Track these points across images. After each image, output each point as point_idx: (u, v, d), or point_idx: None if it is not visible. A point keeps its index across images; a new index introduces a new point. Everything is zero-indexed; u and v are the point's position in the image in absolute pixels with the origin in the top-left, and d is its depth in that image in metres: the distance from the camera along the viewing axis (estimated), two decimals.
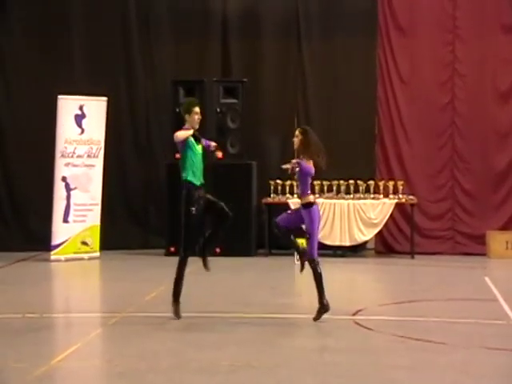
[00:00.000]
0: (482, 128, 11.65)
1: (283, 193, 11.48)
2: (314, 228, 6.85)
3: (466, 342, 6.26)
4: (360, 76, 11.84)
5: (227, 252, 10.84)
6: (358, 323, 6.87)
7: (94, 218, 11.03)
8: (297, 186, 7.08)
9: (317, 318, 6.83)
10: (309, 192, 6.98)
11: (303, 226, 6.97)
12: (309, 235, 6.87)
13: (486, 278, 9.36)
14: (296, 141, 7.07)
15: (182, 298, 7.18)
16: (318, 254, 6.89)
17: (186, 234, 6.98)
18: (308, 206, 6.87)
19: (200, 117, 7.06)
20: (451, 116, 11.77)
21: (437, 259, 11.22)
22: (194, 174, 7.01)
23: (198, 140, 7.04)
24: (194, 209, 6.93)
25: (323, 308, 6.83)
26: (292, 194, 11.42)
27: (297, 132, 7.13)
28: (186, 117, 7.04)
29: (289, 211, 7.20)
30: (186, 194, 7.01)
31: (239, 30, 12.09)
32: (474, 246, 11.60)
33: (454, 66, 11.72)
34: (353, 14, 11.82)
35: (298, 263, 10.45)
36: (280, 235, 6.95)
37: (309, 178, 7.01)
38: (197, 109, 7.02)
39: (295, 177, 7.14)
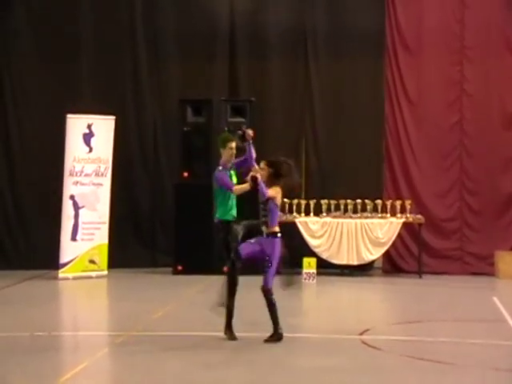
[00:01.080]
0: (490, 148, 11.65)
1: (290, 212, 11.49)
2: (275, 258, 6.81)
3: (474, 363, 6.22)
4: (368, 96, 11.90)
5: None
6: (365, 343, 6.84)
7: (102, 236, 11.05)
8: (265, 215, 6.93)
9: (268, 340, 6.80)
10: (276, 223, 6.92)
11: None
12: (269, 264, 6.78)
13: (495, 299, 9.31)
14: (264, 174, 6.89)
15: (190, 317, 7.16)
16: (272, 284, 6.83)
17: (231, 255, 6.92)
18: (273, 235, 6.84)
19: (234, 152, 7.10)
20: (459, 136, 11.78)
21: (445, 279, 11.18)
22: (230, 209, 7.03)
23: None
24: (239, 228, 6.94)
25: (277, 336, 6.81)
26: (299, 212, 11.43)
27: (262, 165, 6.96)
28: (221, 150, 7.16)
29: (252, 240, 6.97)
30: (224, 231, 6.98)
31: (247, 49, 12.18)
32: (482, 266, 11.56)
33: (463, 86, 11.76)
34: (360, 34, 11.88)
35: (305, 282, 10.48)
36: (234, 263, 6.86)
37: (277, 209, 6.92)
38: (232, 144, 7.10)
39: (262, 202, 6.90)
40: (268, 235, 6.84)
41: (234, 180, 7.14)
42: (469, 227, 11.75)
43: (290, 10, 12.08)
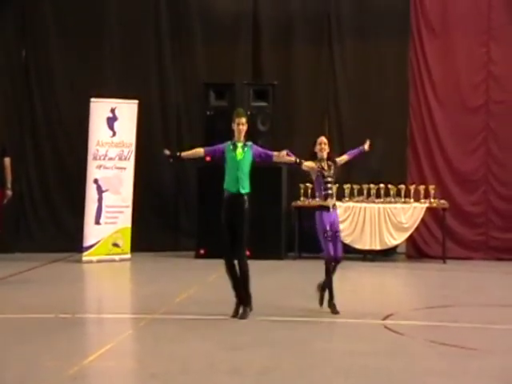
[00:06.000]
0: None
1: (313, 196, 11.43)
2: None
3: (499, 348, 6.17)
4: (392, 78, 11.78)
5: (257, 255, 10.83)
6: (388, 328, 6.81)
7: (125, 220, 11.11)
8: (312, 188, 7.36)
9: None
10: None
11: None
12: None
13: None
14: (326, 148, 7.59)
15: (213, 300, 7.17)
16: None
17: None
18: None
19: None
20: (485, 119, 11.61)
21: (469, 264, 11.08)
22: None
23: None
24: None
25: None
26: None
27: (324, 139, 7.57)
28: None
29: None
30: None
31: (270, 32, 12.11)
32: (507, 251, 11.43)
33: (489, 68, 11.58)
34: (384, 16, 11.76)
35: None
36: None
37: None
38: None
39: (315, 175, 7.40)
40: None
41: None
42: (494, 212, 11.62)
43: None
